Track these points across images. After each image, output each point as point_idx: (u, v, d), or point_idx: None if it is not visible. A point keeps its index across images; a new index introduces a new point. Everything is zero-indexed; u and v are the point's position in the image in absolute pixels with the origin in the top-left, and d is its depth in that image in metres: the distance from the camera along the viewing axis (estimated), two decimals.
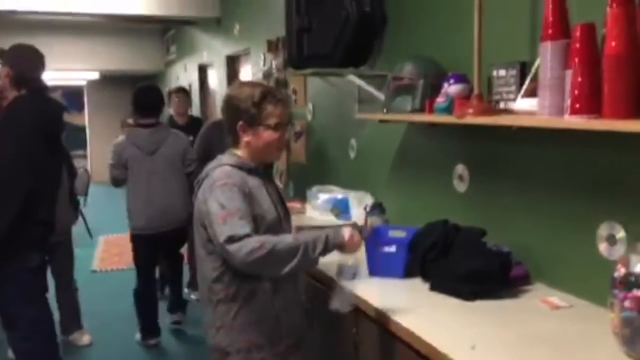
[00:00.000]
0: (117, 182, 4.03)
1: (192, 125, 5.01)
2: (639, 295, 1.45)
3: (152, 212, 3.90)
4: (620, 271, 1.52)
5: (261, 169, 2.04)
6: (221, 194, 1.86)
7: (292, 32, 3.07)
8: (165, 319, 4.36)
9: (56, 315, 3.90)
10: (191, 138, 4.68)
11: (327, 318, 2.29)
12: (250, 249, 1.77)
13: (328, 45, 2.96)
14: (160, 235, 3.97)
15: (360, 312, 2.07)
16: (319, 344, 2.40)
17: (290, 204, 2.72)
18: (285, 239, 1.85)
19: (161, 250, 4.18)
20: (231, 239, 1.78)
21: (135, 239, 4.04)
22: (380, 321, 1.94)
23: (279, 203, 2.06)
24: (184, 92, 5.31)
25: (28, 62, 2.91)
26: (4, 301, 2.84)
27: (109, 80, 12.56)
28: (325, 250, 1.88)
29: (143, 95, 4.08)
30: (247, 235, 1.79)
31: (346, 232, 1.91)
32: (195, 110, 7.96)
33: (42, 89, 2.95)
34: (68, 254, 4.01)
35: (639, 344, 1.47)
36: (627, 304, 1.47)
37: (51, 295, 3.71)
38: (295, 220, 2.45)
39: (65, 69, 9.91)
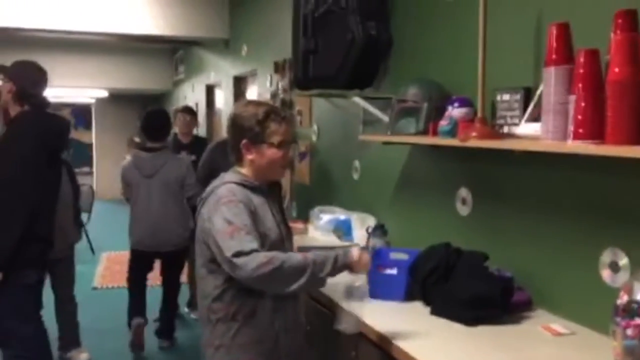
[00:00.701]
0: (126, 199, 4.28)
1: (196, 145, 5.02)
2: None
3: (145, 232, 4.07)
4: (623, 299, 1.50)
5: (265, 187, 2.03)
6: (227, 210, 1.86)
7: (299, 53, 3.09)
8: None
9: (55, 332, 3.89)
10: (194, 158, 4.70)
11: (327, 340, 2.27)
12: (258, 263, 1.76)
13: (334, 67, 2.98)
14: (155, 256, 4.15)
15: (361, 335, 2.04)
16: None
17: (292, 225, 2.71)
18: (294, 257, 1.85)
19: (160, 271, 4.29)
20: (239, 254, 1.78)
21: (131, 253, 4.25)
22: (380, 344, 1.91)
23: (282, 222, 2.05)
24: (190, 112, 5.32)
25: (30, 77, 2.94)
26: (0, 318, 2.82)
27: (117, 99, 12.67)
28: (334, 270, 1.86)
29: (152, 120, 4.26)
30: (255, 250, 1.78)
31: (355, 252, 1.90)
32: (201, 129, 8.01)
33: (45, 104, 2.98)
34: (69, 271, 4.00)
35: None
36: (629, 332, 1.45)
37: (50, 311, 3.70)
38: (297, 241, 2.44)
39: (74, 87, 10.02)
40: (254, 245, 1.80)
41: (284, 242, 2.02)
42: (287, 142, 2.01)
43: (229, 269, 1.82)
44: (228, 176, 2.00)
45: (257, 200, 1.97)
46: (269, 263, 1.76)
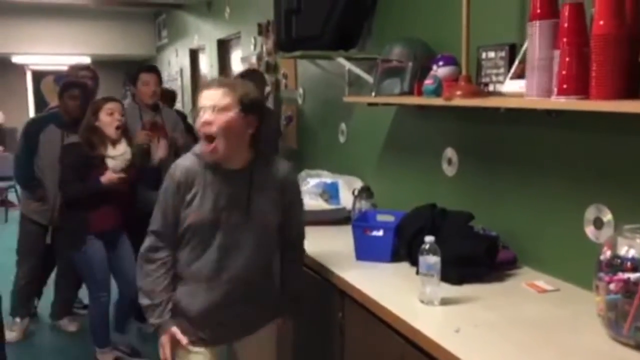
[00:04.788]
0: None
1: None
2: (624, 278, 1.44)
3: None
4: (606, 254, 1.50)
5: (220, 167, 1.89)
6: (163, 184, 1.99)
7: (281, 14, 3.02)
8: None
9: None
10: None
11: (314, 302, 2.28)
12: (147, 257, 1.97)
13: (317, 27, 2.92)
14: None
15: (347, 296, 2.05)
16: (306, 328, 2.38)
17: None
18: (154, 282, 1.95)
19: None
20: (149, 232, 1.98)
21: None
22: (366, 305, 1.92)
23: (228, 209, 1.88)
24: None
25: None
26: None
27: (100, 66, 12.40)
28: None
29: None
30: (152, 232, 1.96)
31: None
32: (187, 96, 7.89)
33: None
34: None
35: (624, 327, 1.45)
36: (612, 286, 1.46)
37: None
38: None
39: (56, 54, 9.81)
40: (155, 226, 1.95)
41: (217, 228, 1.88)
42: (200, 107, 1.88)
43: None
44: (196, 147, 1.99)
45: (207, 177, 1.89)
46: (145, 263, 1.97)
